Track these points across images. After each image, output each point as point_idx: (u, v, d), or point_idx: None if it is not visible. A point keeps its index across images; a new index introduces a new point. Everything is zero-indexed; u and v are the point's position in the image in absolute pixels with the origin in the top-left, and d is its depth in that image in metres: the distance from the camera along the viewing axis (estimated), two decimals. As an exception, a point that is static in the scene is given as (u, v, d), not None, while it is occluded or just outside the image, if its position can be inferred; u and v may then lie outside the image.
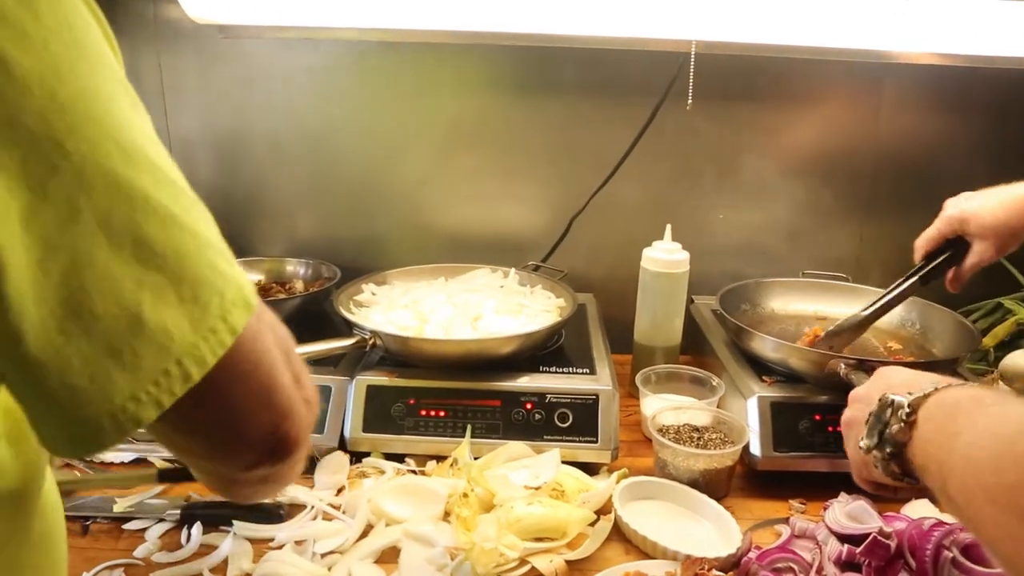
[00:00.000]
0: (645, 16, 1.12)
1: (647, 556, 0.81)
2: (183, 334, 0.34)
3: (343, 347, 0.98)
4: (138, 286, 0.33)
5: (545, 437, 0.95)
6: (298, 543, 0.81)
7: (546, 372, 1.01)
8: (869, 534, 0.74)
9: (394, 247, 1.37)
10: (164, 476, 0.78)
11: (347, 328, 1.02)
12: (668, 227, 1.15)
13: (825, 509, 0.82)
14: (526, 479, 0.89)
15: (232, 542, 0.81)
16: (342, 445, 0.96)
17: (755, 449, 0.93)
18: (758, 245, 1.37)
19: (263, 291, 1.25)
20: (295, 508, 0.88)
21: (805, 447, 0.93)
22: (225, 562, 0.79)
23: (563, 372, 1.01)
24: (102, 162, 0.32)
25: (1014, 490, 0.39)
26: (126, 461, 0.96)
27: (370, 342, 0.98)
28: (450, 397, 0.97)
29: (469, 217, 1.37)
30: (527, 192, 1.36)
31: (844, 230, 1.37)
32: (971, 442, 0.45)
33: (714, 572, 0.76)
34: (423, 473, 0.94)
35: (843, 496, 0.83)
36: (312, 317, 1.14)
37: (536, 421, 0.96)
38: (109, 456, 0.95)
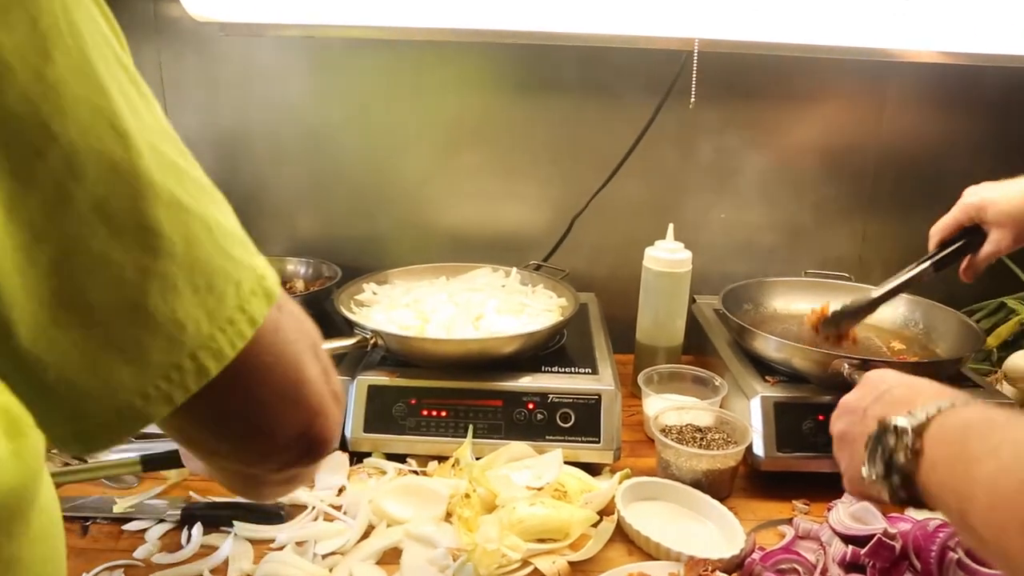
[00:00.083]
0: (647, 14, 1.12)
1: (650, 557, 0.80)
2: (197, 326, 0.32)
3: (344, 347, 0.97)
4: (142, 275, 0.31)
5: (547, 437, 0.95)
6: (299, 544, 0.81)
7: (548, 372, 1.01)
8: (874, 535, 0.74)
9: (395, 246, 1.36)
10: (148, 463, 0.78)
11: (348, 328, 1.02)
12: (670, 226, 1.15)
13: (829, 510, 0.82)
14: (528, 480, 0.89)
15: (232, 543, 0.80)
16: (343, 445, 0.96)
17: (758, 449, 0.93)
18: (760, 244, 1.37)
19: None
20: (296, 509, 0.87)
21: (809, 447, 0.92)
22: (226, 563, 0.78)
23: (565, 372, 1.01)
24: (95, 145, 0.30)
25: None
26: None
27: (371, 342, 0.98)
28: (452, 397, 0.96)
29: (470, 216, 1.37)
30: (529, 191, 1.36)
31: (846, 229, 1.37)
32: (998, 470, 0.43)
33: (717, 573, 0.75)
34: (425, 473, 0.94)
35: (847, 497, 0.82)
36: (313, 317, 1.11)
37: (538, 421, 0.95)
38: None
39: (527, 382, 0.98)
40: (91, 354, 0.31)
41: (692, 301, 1.25)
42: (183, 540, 0.82)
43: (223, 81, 1.29)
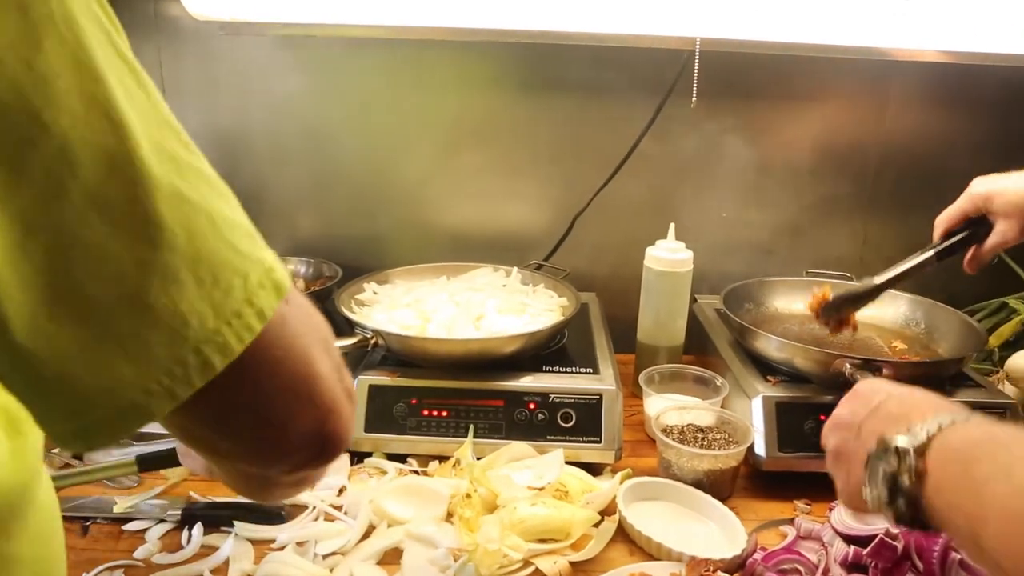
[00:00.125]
0: (649, 14, 1.12)
1: (651, 557, 0.80)
2: (202, 320, 0.31)
3: (345, 346, 0.97)
4: (141, 267, 0.30)
5: (548, 437, 0.94)
6: (299, 544, 0.80)
7: (549, 372, 1.00)
8: (876, 535, 0.73)
9: (396, 246, 1.36)
10: (144, 462, 0.77)
11: (349, 327, 1.01)
12: (671, 226, 1.14)
13: (831, 510, 0.82)
14: (529, 480, 0.89)
15: (233, 543, 0.80)
16: (343, 445, 0.96)
17: (760, 449, 0.93)
18: (761, 244, 1.36)
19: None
20: (296, 509, 0.87)
21: (810, 447, 0.92)
22: (226, 563, 0.78)
23: (566, 372, 1.01)
24: (89, 136, 0.29)
25: None
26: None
27: (372, 341, 0.98)
28: (452, 397, 0.96)
29: (471, 216, 1.37)
30: (529, 191, 1.35)
31: (847, 229, 1.36)
32: (1010, 493, 0.42)
33: (719, 573, 0.75)
34: (425, 473, 0.94)
35: (848, 497, 0.82)
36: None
37: (539, 421, 0.95)
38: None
39: (528, 382, 0.97)
40: (90, 349, 0.30)
41: (693, 301, 1.25)
42: (183, 540, 0.82)
43: (223, 80, 1.28)
